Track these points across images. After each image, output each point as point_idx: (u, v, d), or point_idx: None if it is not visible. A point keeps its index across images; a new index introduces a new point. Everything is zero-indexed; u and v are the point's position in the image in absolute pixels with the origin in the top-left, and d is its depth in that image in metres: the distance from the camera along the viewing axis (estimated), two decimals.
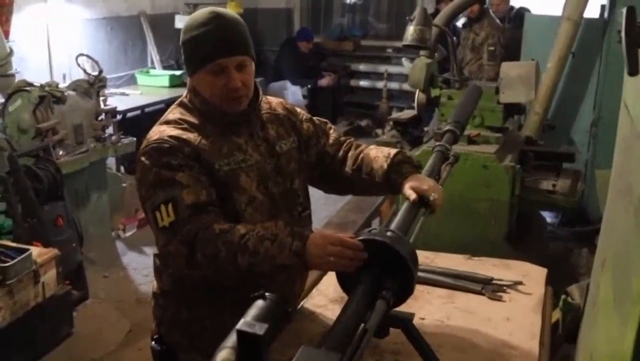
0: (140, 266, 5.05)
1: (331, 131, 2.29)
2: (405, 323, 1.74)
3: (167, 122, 1.99)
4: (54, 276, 3.65)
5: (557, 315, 2.59)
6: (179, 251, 1.78)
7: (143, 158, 1.90)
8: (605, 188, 3.03)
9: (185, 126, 1.97)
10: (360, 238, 1.67)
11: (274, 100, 2.22)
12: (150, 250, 5.27)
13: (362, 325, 1.46)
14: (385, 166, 2.09)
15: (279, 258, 1.72)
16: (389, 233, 1.66)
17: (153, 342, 2.14)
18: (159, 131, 1.95)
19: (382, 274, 1.63)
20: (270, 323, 1.01)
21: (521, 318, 2.26)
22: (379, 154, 2.15)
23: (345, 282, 1.71)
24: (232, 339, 1.10)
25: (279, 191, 2.06)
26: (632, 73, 1.03)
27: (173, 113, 2.04)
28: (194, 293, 2.01)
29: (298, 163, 2.15)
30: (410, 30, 3.54)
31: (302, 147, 2.18)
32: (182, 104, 2.06)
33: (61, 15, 6.22)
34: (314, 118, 2.29)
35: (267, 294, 1.14)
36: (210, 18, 1.92)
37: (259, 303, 1.12)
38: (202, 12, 1.96)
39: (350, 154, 2.22)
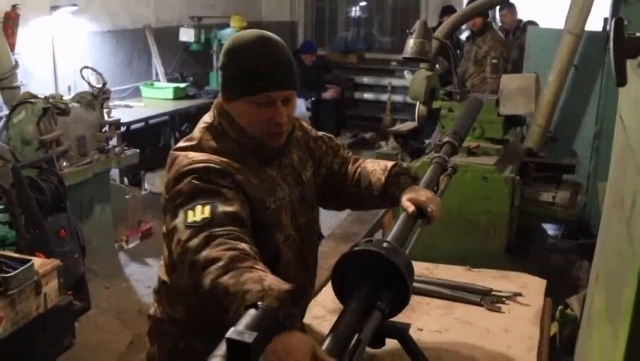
0: (142, 278, 5.06)
1: (337, 148, 2.23)
2: (402, 333, 1.75)
3: (202, 149, 1.84)
4: (56, 287, 3.65)
5: (556, 327, 2.60)
6: (198, 247, 1.59)
7: (189, 176, 1.74)
8: None
9: (227, 155, 1.83)
10: (356, 248, 1.68)
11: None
12: (153, 261, 5.29)
13: (357, 335, 1.47)
14: (382, 178, 2.07)
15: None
16: (384, 244, 1.67)
17: None
18: (206, 155, 1.81)
19: (378, 285, 1.63)
20: (260, 332, 1.01)
21: (520, 330, 2.26)
22: (375, 168, 2.13)
23: (341, 292, 1.70)
24: (222, 348, 1.11)
25: (304, 222, 2.01)
26: (620, 84, 1.04)
27: (206, 139, 1.88)
28: (209, 324, 1.93)
29: (315, 189, 2.10)
30: (410, 42, 3.56)
31: (316, 170, 2.12)
32: (212, 129, 1.90)
33: (67, 28, 6.27)
34: (324, 136, 2.21)
35: (259, 303, 1.15)
36: (262, 43, 1.82)
37: (251, 312, 1.12)
38: (250, 36, 1.84)
39: (348, 169, 2.19)
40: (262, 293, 1.43)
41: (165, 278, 2.02)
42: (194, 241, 1.60)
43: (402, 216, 1.93)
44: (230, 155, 1.83)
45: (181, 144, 1.90)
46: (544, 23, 7.49)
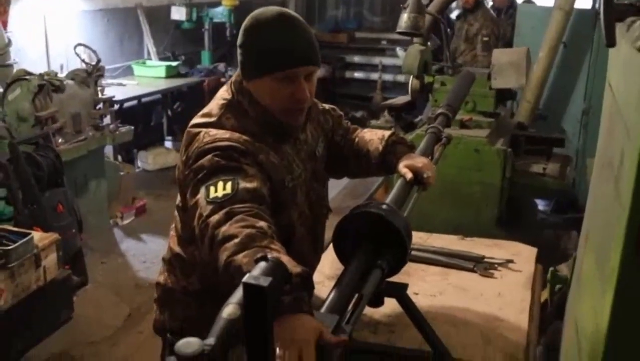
0: (138, 253, 5.13)
1: (340, 119, 2.24)
2: (400, 292, 1.82)
3: (222, 126, 1.83)
4: (55, 261, 3.70)
5: (547, 293, 2.68)
6: (218, 222, 1.58)
7: (212, 153, 1.73)
8: None
9: (247, 133, 1.81)
10: (357, 211, 1.74)
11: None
12: (148, 238, 5.36)
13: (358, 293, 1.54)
14: (380, 147, 2.11)
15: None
16: (384, 207, 1.74)
17: (169, 334, 2.07)
18: (228, 133, 1.80)
19: (378, 246, 1.70)
20: (274, 279, 1.08)
21: (512, 294, 2.35)
22: (373, 137, 2.18)
23: (342, 254, 1.76)
24: (237, 296, 1.17)
25: (315, 197, 2.02)
26: (609, 45, 1.11)
27: (227, 117, 1.85)
28: (220, 292, 1.94)
29: (324, 164, 2.11)
30: (404, 17, 3.61)
31: (326, 144, 2.13)
32: (231, 107, 1.88)
33: (58, 7, 6.26)
34: (329, 108, 2.22)
35: (268, 256, 1.21)
36: (282, 20, 1.81)
37: (262, 263, 1.18)
38: (269, 12, 1.82)
39: (347, 138, 2.23)
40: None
41: (178, 250, 2.02)
42: (215, 217, 1.59)
43: (399, 182, 2.00)
44: (250, 133, 1.81)
45: (199, 120, 1.87)
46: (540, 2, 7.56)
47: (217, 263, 1.55)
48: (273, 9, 1.83)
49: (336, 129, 2.19)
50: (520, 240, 2.80)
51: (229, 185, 1.64)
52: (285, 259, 1.43)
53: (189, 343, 1.01)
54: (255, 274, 1.08)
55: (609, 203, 1.35)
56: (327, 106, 2.21)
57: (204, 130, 1.81)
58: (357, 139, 2.21)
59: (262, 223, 1.56)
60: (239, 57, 1.86)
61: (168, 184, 6.30)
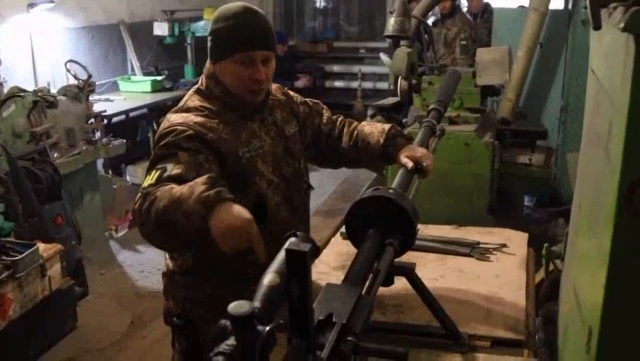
0: (135, 263, 5.22)
1: (324, 111, 2.51)
2: (409, 271, 1.95)
3: (188, 110, 2.08)
4: (59, 270, 3.80)
5: (539, 275, 2.83)
6: (140, 208, 1.75)
7: (161, 141, 1.97)
8: (575, 170, 3.27)
9: (206, 113, 2.07)
10: (366, 195, 1.87)
11: (272, 85, 2.38)
12: (144, 248, 5.45)
13: (375, 264, 1.68)
14: (381, 140, 2.32)
15: (185, 204, 1.66)
16: (391, 191, 1.87)
17: (175, 318, 2.24)
18: (182, 117, 2.04)
19: (387, 227, 1.83)
20: (312, 245, 1.21)
21: (508, 275, 2.48)
22: (373, 130, 2.38)
23: (354, 237, 1.89)
24: (274, 265, 1.29)
25: (289, 172, 2.24)
26: (596, 28, 1.25)
27: (192, 100, 2.13)
28: (214, 271, 2.14)
29: (301, 144, 2.36)
30: (391, 21, 3.78)
31: (301, 129, 2.38)
32: (199, 92, 2.16)
33: (44, 25, 6.35)
34: (308, 100, 2.50)
35: (297, 232, 1.34)
36: (244, 12, 2.07)
37: (293, 239, 1.31)
38: (234, 5, 2.09)
39: (345, 131, 2.45)
40: (190, 187, 1.68)
41: None
42: (138, 203, 1.77)
43: (401, 171, 2.15)
44: (210, 112, 2.07)
45: (173, 109, 2.15)
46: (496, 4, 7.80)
47: (154, 236, 1.76)
48: (238, 3, 2.11)
49: (317, 118, 2.44)
50: (509, 226, 2.96)
51: (156, 175, 1.85)
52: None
53: (240, 305, 1.12)
54: (295, 242, 1.21)
55: (599, 169, 1.49)
56: (308, 100, 2.50)
57: (167, 117, 2.09)
58: (356, 132, 2.42)
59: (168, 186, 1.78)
60: (208, 44, 2.14)
61: None
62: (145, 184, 1.83)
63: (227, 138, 2.06)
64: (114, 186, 5.80)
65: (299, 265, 1.17)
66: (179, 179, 1.82)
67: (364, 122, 2.50)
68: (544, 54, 5.72)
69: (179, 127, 1.98)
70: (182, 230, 1.67)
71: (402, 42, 3.85)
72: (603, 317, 1.32)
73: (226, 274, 2.12)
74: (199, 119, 2.04)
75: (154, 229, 1.73)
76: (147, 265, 5.12)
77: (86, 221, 5.10)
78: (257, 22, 2.08)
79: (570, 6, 5.70)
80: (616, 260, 1.27)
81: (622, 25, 1.18)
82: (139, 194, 1.80)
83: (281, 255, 1.28)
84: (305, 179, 2.36)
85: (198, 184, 1.69)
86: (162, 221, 1.69)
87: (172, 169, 1.86)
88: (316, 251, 1.54)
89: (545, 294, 2.70)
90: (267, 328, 1.13)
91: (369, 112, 4.48)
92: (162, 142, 1.96)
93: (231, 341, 1.12)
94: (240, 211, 1.63)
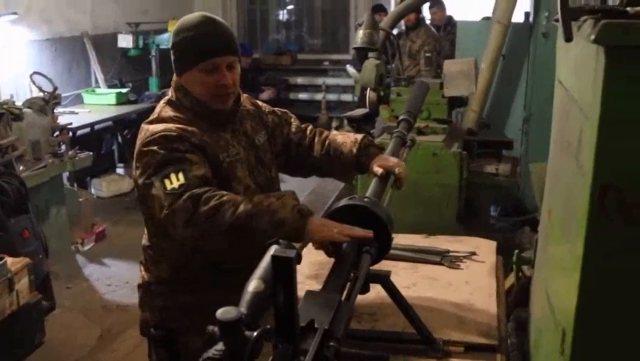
0: (102, 277, 5.17)
1: (292, 120, 2.55)
2: (385, 278, 1.98)
3: (163, 120, 2.10)
4: (27, 285, 3.74)
5: (509, 282, 2.89)
6: (185, 207, 1.85)
7: (151, 146, 1.99)
8: (539, 180, 3.35)
9: (182, 120, 2.10)
10: (341, 204, 1.91)
11: (242, 95, 2.39)
12: (111, 262, 5.41)
13: (353, 273, 1.71)
14: (354, 150, 2.36)
15: (280, 212, 1.84)
16: (366, 199, 1.91)
17: (152, 329, 2.25)
18: (163, 125, 2.06)
19: None
20: (296, 252, 1.24)
21: (478, 281, 2.53)
22: (346, 140, 2.41)
23: (331, 244, 1.91)
24: (258, 272, 1.32)
25: (262, 179, 2.28)
26: (568, 40, 1.31)
27: (165, 111, 2.15)
28: (195, 279, 2.16)
29: (271, 153, 2.39)
30: (360, 33, 3.84)
31: (270, 138, 2.41)
32: (170, 103, 2.18)
33: (6, 37, 6.28)
34: (276, 109, 2.53)
35: (280, 240, 1.37)
36: (203, 21, 2.10)
37: (276, 246, 1.34)
38: (194, 16, 2.13)
39: (316, 140, 2.48)
40: (280, 198, 1.88)
41: (146, 242, 2.26)
42: (179, 204, 1.86)
43: (374, 181, 2.19)
44: (185, 120, 2.10)
45: (146, 121, 2.17)
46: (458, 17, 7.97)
47: (203, 238, 1.88)
48: (197, 13, 2.15)
49: (285, 127, 2.48)
50: (478, 236, 3.02)
51: (181, 175, 1.91)
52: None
53: (228, 311, 1.15)
54: (280, 248, 1.24)
55: (570, 176, 1.54)
56: (277, 109, 2.54)
57: (145, 127, 2.10)
58: (328, 141, 2.45)
59: (225, 192, 1.90)
60: (172, 57, 2.17)
61: (124, 210, 6.36)
62: (176, 185, 1.90)
63: (209, 142, 2.10)
64: (80, 200, 5.74)
65: (285, 271, 1.20)
66: (205, 179, 1.94)
67: (334, 132, 2.53)
68: (507, 66, 5.83)
69: (168, 133, 2.02)
70: (260, 235, 1.79)
71: (370, 54, 3.91)
72: (576, 320, 1.36)
73: (206, 281, 2.15)
74: (178, 125, 2.07)
75: (222, 231, 1.84)
76: (114, 278, 5.08)
77: (52, 234, 5.04)
78: (218, 29, 2.12)
79: (531, 19, 5.84)
80: (589, 264, 1.32)
81: (592, 37, 1.23)
82: (172, 195, 1.88)
83: (265, 262, 1.30)
84: (277, 187, 2.39)
85: (288, 197, 1.89)
86: (240, 225, 1.83)
87: (193, 170, 1.94)
88: (299, 258, 1.57)
89: (514, 300, 2.75)
90: (255, 333, 1.15)
91: (334, 124, 4.55)
92: (154, 147, 1.99)
93: (220, 346, 1.14)
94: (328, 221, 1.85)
